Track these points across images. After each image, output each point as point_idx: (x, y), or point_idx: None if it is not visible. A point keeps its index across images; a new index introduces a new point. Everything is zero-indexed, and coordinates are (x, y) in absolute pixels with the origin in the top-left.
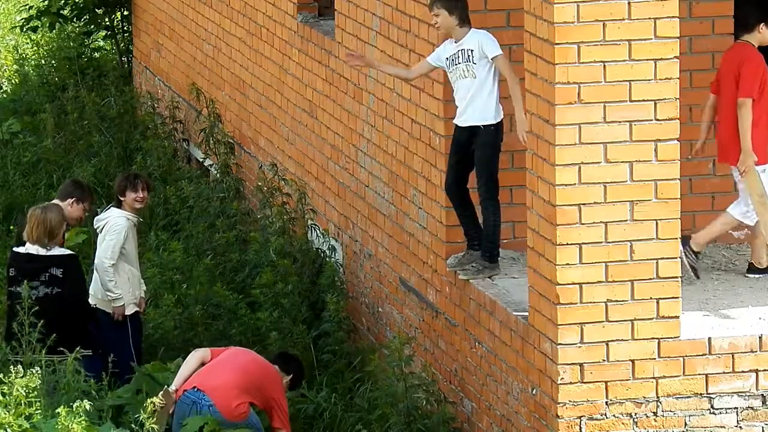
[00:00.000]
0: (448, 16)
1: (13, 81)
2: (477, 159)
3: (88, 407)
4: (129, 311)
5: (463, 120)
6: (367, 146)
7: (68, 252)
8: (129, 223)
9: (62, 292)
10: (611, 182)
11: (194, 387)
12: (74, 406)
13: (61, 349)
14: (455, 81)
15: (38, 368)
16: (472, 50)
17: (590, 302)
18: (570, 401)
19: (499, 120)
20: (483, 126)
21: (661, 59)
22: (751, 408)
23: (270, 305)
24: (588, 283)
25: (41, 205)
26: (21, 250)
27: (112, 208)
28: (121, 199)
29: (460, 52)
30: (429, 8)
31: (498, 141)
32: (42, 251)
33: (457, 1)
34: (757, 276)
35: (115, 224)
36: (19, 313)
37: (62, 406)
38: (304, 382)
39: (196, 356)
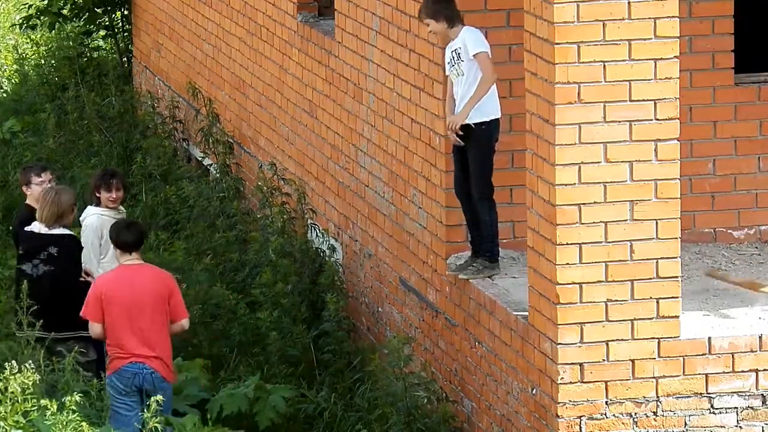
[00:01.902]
0: (436, 23)
1: (13, 81)
2: (470, 157)
3: (78, 399)
4: None
5: None
6: (367, 146)
7: (67, 232)
8: (101, 221)
9: (55, 270)
10: (611, 182)
11: (133, 361)
12: (66, 400)
13: (56, 332)
14: (454, 81)
15: (35, 365)
16: (459, 47)
17: (590, 302)
18: (570, 401)
19: (492, 118)
20: (474, 124)
21: (661, 59)
22: (751, 408)
23: (270, 305)
24: (588, 282)
25: (56, 187)
26: (28, 228)
27: (89, 206)
28: (97, 195)
29: (453, 53)
30: (419, 20)
31: (492, 139)
32: (44, 230)
33: (439, 5)
34: None
35: (86, 225)
36: (22, 291)
37: (53, 401)
38: (304, 381)
39: (98, 331)
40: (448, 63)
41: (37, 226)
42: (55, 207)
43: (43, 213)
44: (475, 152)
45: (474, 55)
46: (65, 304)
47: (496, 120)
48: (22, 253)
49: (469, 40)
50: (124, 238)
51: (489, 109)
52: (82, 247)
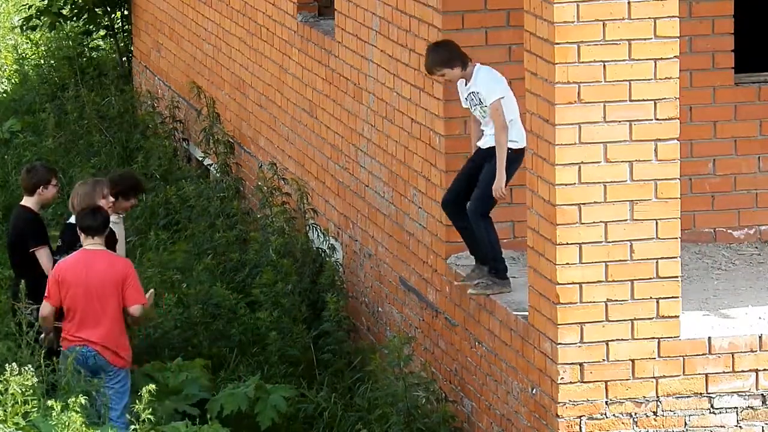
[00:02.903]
0: (451, 70)
1: (12, 81)
2: (484, 174)
3: (83, 401)
4: None
5: (483, 142)
6: (367, 146)
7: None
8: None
9: None
10: (611, 182)
11: (77, 344)
12: (70, 401)
13: None
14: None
15: (35, 365)
16: (479, 92)
17: (590, 302)
18: (570, 401)
19: (518, 147)
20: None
21: (661, 59)
22: (751, 408)
23: (270, 305)
24: (588, 282)
25: (88, 181)
26: (70, 221)
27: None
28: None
29: (471, 95)
30: (428, 73)
31: (514, 165)
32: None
33: (449, 51)
34: None
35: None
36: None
37: (56, 401)
38: (304, 381)
39: (46, 312)
40: (466, 99)
41: (74, 219)
42: (89, 200)
43: (76, 207)
44: (490, 170)
45: (490, 104)
46: None
47: (522, 149)
48: (60, 245)
49: (487, 88)
50: (88, 222)
51: (518, 138)
52: (116, 241)
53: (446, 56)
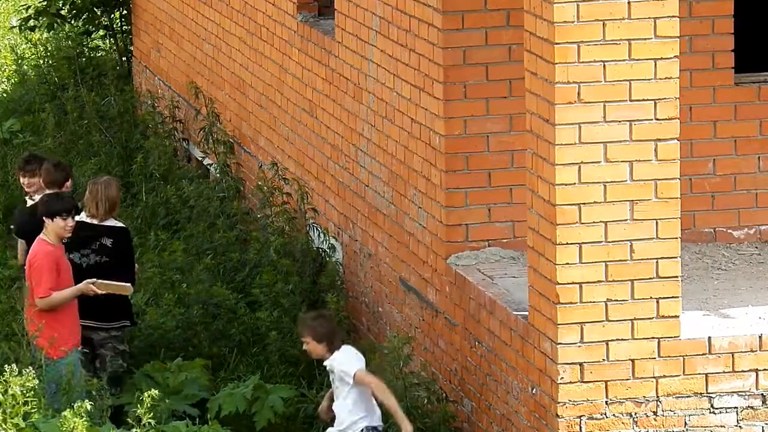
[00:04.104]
0: (317, 345)
1: (12, 81)
2: None
3: (89, 407)
4: None
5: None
6: (367, 146)
7: (121, 225)
8: None
9: (110, 261)
10: (611, 182)
11: None
12: (75, 406)
13: (98, 323)
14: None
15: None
16: (333, 368)
17: (590, 302)
18: (570, 401)
19: (377, 425)
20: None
21: (661, 59)
22: (751, 407)
23: (270, 305)
24: (588, 282)
25: (101, 181)
26: (77, 218)
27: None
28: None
29: (330, 368)
30: (298, 332)
31: None
32: (95, 221)
33: (326, 329)
34: None
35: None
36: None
37: (67, 408)
38: (304, 381)
39: None
40: (327, 370)
41: (87, 217)
42: (108, 202)
43: (95, 208)
44: None
45: (353, 377)
46: (112, 295)
47: (377, 428)
48: (68, 242)
49: (344, 365)
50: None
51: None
52: (131, 238)
53: (321, 331)
